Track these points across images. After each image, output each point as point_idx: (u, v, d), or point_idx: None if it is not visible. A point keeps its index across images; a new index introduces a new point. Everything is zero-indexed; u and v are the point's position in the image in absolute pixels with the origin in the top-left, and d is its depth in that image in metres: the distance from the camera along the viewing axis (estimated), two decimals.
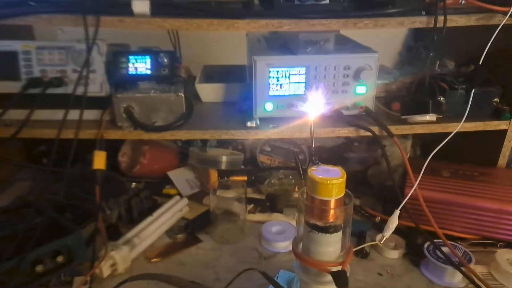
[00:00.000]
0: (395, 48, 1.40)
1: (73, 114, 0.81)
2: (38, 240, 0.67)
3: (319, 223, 0.56)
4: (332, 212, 0.55)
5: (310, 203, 0.56)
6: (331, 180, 0.54)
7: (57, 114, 0.84)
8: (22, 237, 0.67)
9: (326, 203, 0.55)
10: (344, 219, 0.57)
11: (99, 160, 0.80)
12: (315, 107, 0.60)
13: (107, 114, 0.86)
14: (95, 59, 0.83)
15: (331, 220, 0.55)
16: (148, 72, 0.86)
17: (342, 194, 0.55)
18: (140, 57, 0.85)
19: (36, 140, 0.86)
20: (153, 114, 0.84)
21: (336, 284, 0.53)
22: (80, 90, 0.82)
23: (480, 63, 0.80)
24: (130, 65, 0.86)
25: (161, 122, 0.84)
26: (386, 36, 1.34)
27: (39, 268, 0.66)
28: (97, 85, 0.86)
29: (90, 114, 0.86)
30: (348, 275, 0.56)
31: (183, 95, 0.83)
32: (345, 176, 0.55)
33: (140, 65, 0.86)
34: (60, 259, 0.68)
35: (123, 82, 0.86)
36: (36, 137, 0.84)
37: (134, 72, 0.86)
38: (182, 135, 0.84)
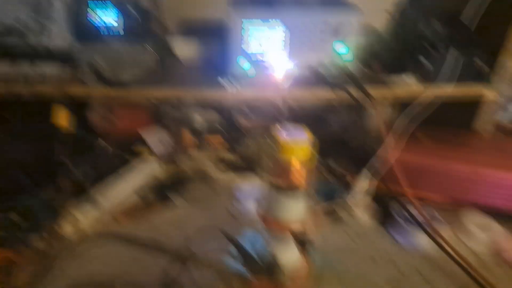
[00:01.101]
0: (386, 5, 1.34)
1: (34, 68, 0.77)
2: None
3: (282, 184, 0.55)
4: (295, 173, 0.54)
5: (273, 163, 0.54)
6: (295, 141, 0.52)
7: (15, 68, 0.79)
8: None
9: (289, 165, 0.53)
10: (308, 180, 0.56)
11: (62, 117, 0.77)
12: (285, 65, 0.57)
13: (70, 68, 0.82)
14: (55, 7, 0.78)
15: (294, 181, 0.54)
16: (115, 23, 0.81)
17: (307, 155, 0.54)
18: (105, 6, 0.79)
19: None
20: (119, 68, 0.79)
21: (295, 243, 0.53)
22: (40, 42, 0.77)
23: (467, 25, 0.77)
24: (95, 15, 0.80)
25: (128, 77, 0.80)
26: None
27: None
28: (59, 37, 0.80)
29: (52, 68, 0.82)
30: (312, 235, 0.55)
31: (151, 49, 0.79)
32: (311, 137, 0.53)
33: (106, 15, 0.80)
34: (17, 218, 0.67)
35: (87, 33, 0.81)
36: None
37: (99, 23, 0.80)
38: (152, 93, 0.80)
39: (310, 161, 0.54)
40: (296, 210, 0.56)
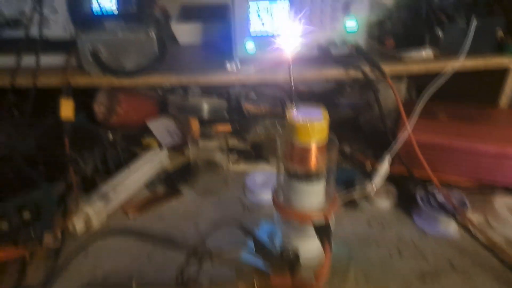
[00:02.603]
0: None
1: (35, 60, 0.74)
2: (4, 195, 0.63)
3: (300, 172, 0.50)
4: (313, 159, 0.50)
5: (289, 149, 0.50)
6: (312, 123, 0.48)
7: (18, 60, 0.76)
8: None
9: (306, 149, 0.49)
10: (327, 167, 0.52)
11: (67, 109, 0.74)
12: (293, 40, 0.53)
13: (73, 58, 0.78)
14: None
15: (312, 168, 0.50)
16: (115, 10, 0.77)
17: (325, 139, 0.49)
18: None
19: (4, 89, 0.79)
20: (122, 57, 0.76)
21: (317, 236, 0.49)
22: (42, 33, 0.74)
23: None
24: (94, 2, 0.76)
25: (132, 65, 0.76)
26: None
27: (3, 226, 0.62)
28: (60, 26, 0.77)
29: (55, 59, 0.79)
30: (332, 226, 0.51)
31: (154, 36, 0.75)
32: (328, 118, 0.49)
33: (106, 2, 0.76)
34: (26, 215, 0.64)
35: (87, 22, 0.77)
36: None
37: (99, 10, 0.76)
38: (156, 80, 0.77)
39: (328, 143, 0.50)
40: (315, 199, 0.52)
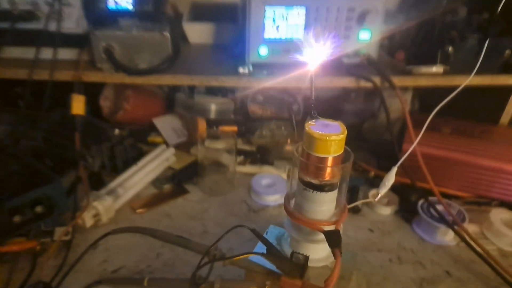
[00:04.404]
0: None
1: (49, 53, 0.74)
2: (16, 188, 0.64)
3: (315, 181, 0.52)
4: (329, 170, 0.51)
5: (305, 160, 0.52)
6: (330, 137, 0.49)
7: (30, 52, 0.76)
8: None
9: (323, 160, 0.51)
10: (341, 178, 0.53)
11: (78, 105, 0.74)
12: (316, 55, 0.54)
13: (85, 54, 0.78)
14: None
15: (327, 179, 0.52)
16: (130, 7, 0.77)
17: (341, 152, 0.51)
18: None
19: (11, 80, 0.78)
20: (135, 55, 0.76)
21: (328, 244, 0.51)
22: (54, 26, 0.74)
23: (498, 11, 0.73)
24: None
25: (145, 64, 0.77)
26: None
27: (17, 219, 0.63)
28: (73, 21, 0.77)
29: (67, 53, 0.79)
30: (341, 233, 0.53)
31: (169, 35, 0.76)
32: (346, 132, 0.50)
33: (121, 0, 0.77)
34: (39, 209, 0.65)
35: (102, 18, 0.77)
36: (8, 77, 0.76)
37: (114, 7, 0.77)
38: (168, 79, 0.77)
39: (344, 155, 0.52)
40: (327, 207, 0.54)
